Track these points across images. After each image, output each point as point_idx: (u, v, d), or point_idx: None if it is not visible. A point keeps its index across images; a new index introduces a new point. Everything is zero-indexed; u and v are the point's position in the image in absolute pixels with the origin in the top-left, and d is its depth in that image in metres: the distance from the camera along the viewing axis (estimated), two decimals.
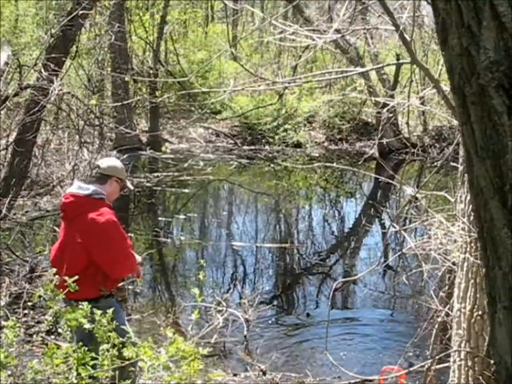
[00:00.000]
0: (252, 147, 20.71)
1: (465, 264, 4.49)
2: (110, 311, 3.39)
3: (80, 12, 8.43)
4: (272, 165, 18.68)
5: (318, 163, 17.58)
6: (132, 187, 5.23)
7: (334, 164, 16.39)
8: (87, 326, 3.28)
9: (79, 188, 4.82)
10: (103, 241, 4.63)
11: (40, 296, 3.57)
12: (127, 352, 3.04)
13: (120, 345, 3.20)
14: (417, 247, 5.20)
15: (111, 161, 5.09)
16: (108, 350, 3.10)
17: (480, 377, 4.39)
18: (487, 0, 1.58)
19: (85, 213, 4.67)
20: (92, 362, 3.08)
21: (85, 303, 3.41)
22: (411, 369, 5.23)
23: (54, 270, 3.92)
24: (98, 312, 3.33)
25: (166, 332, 3.25)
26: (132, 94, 21.08)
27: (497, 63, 1.59)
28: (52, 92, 8.14)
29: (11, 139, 9.58)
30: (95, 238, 4.63)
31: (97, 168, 5.01)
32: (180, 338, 3.13)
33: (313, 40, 5.27)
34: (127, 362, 3.08)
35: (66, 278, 4.10)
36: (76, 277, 3.70)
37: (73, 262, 4.62)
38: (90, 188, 4.79)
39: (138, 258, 5.09)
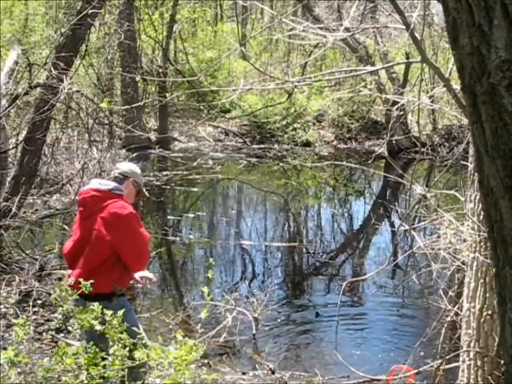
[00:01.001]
0: (261, 146, 20.71)
1: (475, 263, 4.48)
2: (121, 312, 3.40)
3: (90, 11, 8.44)
4: (281, 164, 18.66)
5: (327, 162, 17.54)
6: (148, 194, 5.23)
7: (344, 162, 16.37)
8: (98, 327, 3.29)
9: (99, 184, 4.84)
10: (129, 233, 4.67)
11: (55, 299, 3.57)
12: (138, 354, 3.05)
13: (131, 346, 3.21)
14: (426, 246, 5.19)
15: (130, 165, 5.13)
16: (118, 351, 3.11)
17: (490, 377, 4.38)
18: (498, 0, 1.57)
19: (107, 206, 4.68)
20: (102, 363, 3.08)
21: (96, 303, 3.42)
22: (420, 369, 5.22)
23: (67, 271, 3.95)
24: (109, 312, 3.35)
25: (176, 335, 3.25)
26: (141, 92, 21.11)
27: (508, 62, 1.59)
28: (61, 90, 8.16)
29: (21, 138, 9.61)
30: (121, 230, 4.65)
31: (116, 169, 5.02)
32: (190, 341, 3.13)
33: (323, 37, 5.26)
34: (137, 362, 3.08)
35: (80, 276, 4.15)
36: (91, 281, 3.72)
37: (92, 257, 4.66)
38: (111, 184, 4.81)
39: (150, 275, 5.12)
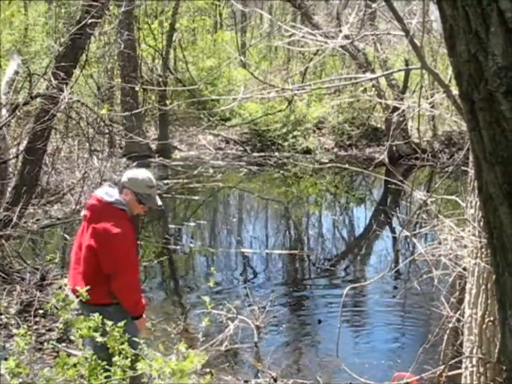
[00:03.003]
0: (262, 154, 20.70)
1: (476, 269, 4.48)
2: (121, 323, 3.40)
3: (89, 21, 8.46)
4: (281, 172, 18.67)
5: (329, 164, 17.51)
6: (159, 203, 5.07)
7: (346, 165, 16.38)
8: (99, 339, 3.29)
9: (105, 193, 4.80)
10: (111, 252, 4.62)
11: (52, 307, 3.57)
12: (140, 365, 3.04)
13: (133, 357, 3.21)
14: (427, 252, 5.18)
15: (133, 173, 4.97)
16: (120, 361, 3.10)
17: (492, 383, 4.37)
18: (494, 6, 1.58)
19: (102, 219, 4.66)
20: (104, 374, 3.08)
21: (96, 314, 3.41)
22: (423, 375, 5.20)
23: (65, 280, 3.97)
24: (109, 323, 3.34)
25: (179, 347, 3.25)
26: (141, 101, 21.15)
27: (505, 69, 1.60)
28: (61, 100, 8.17)
29: (21, 147, 9.62)
30: (106, 247, 4.62)
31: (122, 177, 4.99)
32: (193, 352, 3.13)
33: (323, 44, 5.28)
34: (139, 372, 3.07)
35: (78, 283, 4.16)
36: (88, 287, 3.73)
37: (86, 265, 4.68)
38: (115, 196, 4.77)
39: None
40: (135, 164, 16.68)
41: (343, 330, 7.00)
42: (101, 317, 3.40)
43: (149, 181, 4.93)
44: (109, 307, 4.54)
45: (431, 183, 16.86)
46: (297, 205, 15.71)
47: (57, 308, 3.44)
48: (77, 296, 4.24)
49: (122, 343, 3.22)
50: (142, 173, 4.99)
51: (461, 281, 5.54)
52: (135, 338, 3.60)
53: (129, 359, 3.16)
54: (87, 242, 4.69)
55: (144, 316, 4.95)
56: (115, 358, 3.16)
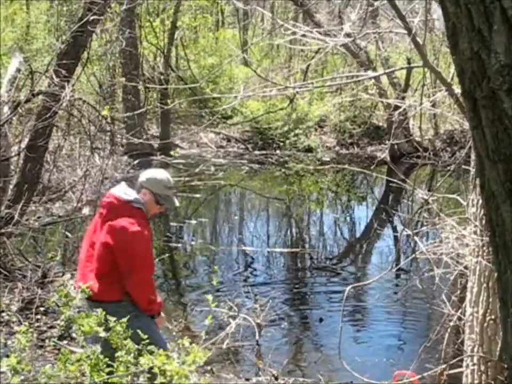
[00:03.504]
0: (263, 152, 20.71)
1: (478, 268, 4.48)
2: (125, 319, 3.40)
3: (91, 18, 8.45)
4: (283, 170, 18.66)
5: (328, 166, 17.53)
6: (177, 203, 5.06)
7: (346, 166, 16.39)
8: (103, 334, 3.29)
9: (124, 192, 4.76)
10: (127, 250, 4.59)
11: (54, 303, 3.57)
12: (143, 360, 3.04)
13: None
14: (428, 251, 5.18)
15: (152, 173, 4.95)
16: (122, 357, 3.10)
17: (493, 382, 4.37)
18: (497, 5, 1.58)
19: (119, 217, 4.63)
20: (107, 370, 3.08)
21: (100, 310, 3.40)
22: (424, 374, 5.21)
23: (68, 275, 3.97)
24: (113, 318, 3.34)
25: (183, 342, 3.25)
26: (143, 99, 21.14)
27: (507, 66, 1.59)
28: (63, 98, 8.16)
29: (23, 145, 9.61)
30: (121, 244, 4.59)
31: (139, 177, 4.95)
32: (196, 347, 3.13)
33: (324, 43, 5.27)
34: (141, 368, 3.07)
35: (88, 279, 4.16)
36: (89, 283, 3.71)
37: (100, 262, 4.65)
38: (133, 195, 4.73)
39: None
40: (136, 161, 16.70)
41: (345, 328, 7.01)
42: (103, 313, 3.39)
43: (167, 182, 4.91)
44: (122, 303, 4.53)
45: (432, 181, 16.86)
46: (298, 203, 15.71)
47: (58, 305, 3.44)
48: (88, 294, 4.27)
49: (125, 339, 3.22)
50: (161, 173, 4.97)
51: (462, 280, 5.54)
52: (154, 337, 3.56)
53: (132, 354, 3.16)
54: (103, 239, 4.64)
55: (162, 314, 4.94)
56: (118, 353, 3.16)
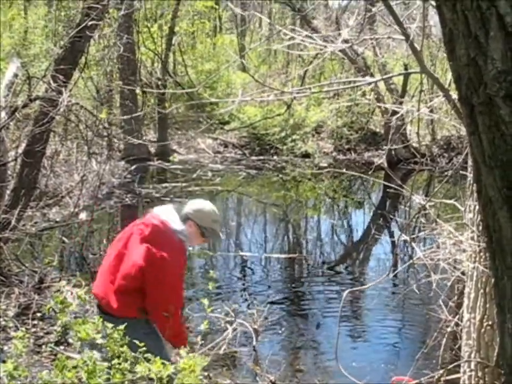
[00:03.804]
0: (260, 157, 20.73)
1: (475, 273, 4.48)
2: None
3: (89, 24, 8.46)
4: (280, 175, 18.67)
5: (325, 170, 17.53)
6: (222, 237, 4.97)
7: (344, 170, 16.40)
8: (100, 341, 3.27)
9: (171, 219, 4.65)
10: (163, 283, 4.46)
11: (50, 309, 3.56)
12: (140, 368, 3.03)
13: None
14: (426, 256, 5.18)
15: (200, 205, 4.83)
16: (119, 364, 3.09)
17: None
18: (494, 11, 1.58)
19: (161, 244, 4.49)
20: (104, 377, 3.06)
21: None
22: (421, 379, 5.20)
23: (63, 282, 3.95)
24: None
25: (180, 352, 3.24)
26: (141, 105, 21.16)
27: (504, 73, 1.60)
28: (60, 103, 8.16)
29: (20, 150, 9.61)
30: (157, 277, 4.45)
31: (185, 206, 4.83)
32: (192, 355, 3.12)
33: (322, 48, 5.29)
34: (138, 376, 3.06)
35: (108, 297, 4.15)
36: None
37: (127, 281, 4.52)
38: (180, 226, 4.62)
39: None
40: (133, 167, 16.70)
41: (342, 334, 7.01)
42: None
43: (214, 215, 4.82)
44: (138, 320, 4.47)
45: (429, 187, 16.88)
46: (296, 208, 15.71)
47: (55, 312, 3.43)
48: (102, 306, 4.27)
49: (122, 346, 3.21)
50: (208, 206, 4.85)
51: (460, 285, 5.55)
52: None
53: (129, 362, 3.15)
54: (138, 261, 4.46)
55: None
56: (114, 361, 3.15)
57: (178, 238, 4.58)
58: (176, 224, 4.62)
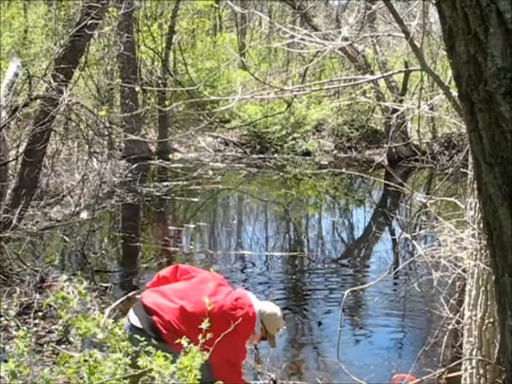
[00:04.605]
0: (261, 156, 20.74)
1: (476, 271, 4.48)
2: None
3: (89, 23, 8.46)
4: (281, 174, 18.67)
5: (328, 169, 17.54)
6: (275, 345, 5.00)
7: (343, 170, 16.40)
8: (100, 336, 3.27)
9: (260, 312, 4.70)
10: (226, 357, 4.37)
11: (49, 306, 3.55)
12: (141, 362, 3.02)
13: None
14: (427, 254, 5.18)
15: (274, 310, 4.85)
16: (120, 359, 3.08)
17: None
18: (493, 8, 1.58)
19: (240, 326, 4.34)
20: (106, 371, 3.05)
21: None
22: (423, 378, 5.20)
23: (64, 277, 3.92)
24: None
25: (181, 342, 3.23)
26: (141, 103, 21.16)
27: (504, 70, 1.60)
28: (61, 102, 8.16)
29: (21, 149, 9.62)
30: (223, 348, 4.08)
31: (260, 305, 4.82)
32: (195, 348, 3.11)
33: (322, 46, 5.28)
34: (140, 370, 3.05)
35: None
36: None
37: (188, 326, 4.36)
38: (259, 324, 4.66)
39: None
40: (134, 166, 16.70)
41: (343, 332, 7.00)
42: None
43: (281, 324, 4.91)
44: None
45: (430, 185, 16.88)
46: (296, 207, 15.71)
47: (55, 308, 3.43)
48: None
49: (123, 340, 3.20)
50: (279, 313, 4.90)
51: (461, 283, 5.55)
52: None
53: (129, 357, 3.14)
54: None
55: None
56: (115, 356, 3.13)
57: (254, 329, 4.66)
58: (259, 316, 4.69)
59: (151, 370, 2.95)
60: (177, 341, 3.26)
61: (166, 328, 4.41)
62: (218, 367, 4.31)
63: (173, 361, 3.00)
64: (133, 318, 4.55)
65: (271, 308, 4.86)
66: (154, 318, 4.47)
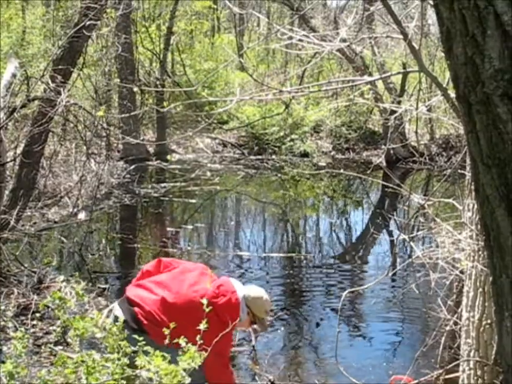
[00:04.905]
0: (259, 157, 20.74)
1: (473, 272, 4.48)
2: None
3: (87, 24, 8.47)
4: (279, 175, 18.68)
5: (323, 171, 17.53)
6: (267, 329, 5.03)
7: (341, 171, 16.40)
8: (99, 335, 3.26)
9: (245, 297, 4.71)
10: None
11: (46, 306, 3.55)
12: (138, 361, 3.01)
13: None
14: (424, 255, 5.19)
15: (258, 293, 4.88)
16: (118, 359, 3.07)
17: None
18: (491, 10, 1.58)
19: (226, 311, 4.46)
20: (104, 371, 3.04)
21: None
22: (421, 379, 5.21)
23: (62, 278, 3.91)
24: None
25: (179, 341, 3.21)
26: (139, 104, 21.15)
27: (501, 71, 1.60)
28: (59, 103, 8.16)
29: (19, 151, 9.61)
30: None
31: (245, 289, 4.83)
32: (193, 347, 3.11)
33: (320, 47, 5.28)
34: (138, 370, 3.04)
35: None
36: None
37: (171, 315, 4.37)
38: (244, 309, 4.68)
39: None
40: (132, 167, 16.69)
41: (341, 333, 7.02)
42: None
43: (269, 306, 4.91)
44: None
45: (428, 186, 16.88)
46: (294, 208, 15.71)
47: (52, 309, 3.42)
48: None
49: (121, 340, 3.19)
50: (265, 295, 4.92)
51: (458, 284, 5.56)
52: None
53: (127, 356, 3.13)
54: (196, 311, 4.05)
55: None
56: (113, 356, 3.12)
57: (237, 315, 4.62)
58: (245, 301, 4.72)
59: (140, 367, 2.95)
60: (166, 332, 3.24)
61: (147, 319, 4.43)
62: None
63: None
64: (117, 310, 4.61)
65: (255, 291, 4.87)
66: (136, 309, 4.50)
